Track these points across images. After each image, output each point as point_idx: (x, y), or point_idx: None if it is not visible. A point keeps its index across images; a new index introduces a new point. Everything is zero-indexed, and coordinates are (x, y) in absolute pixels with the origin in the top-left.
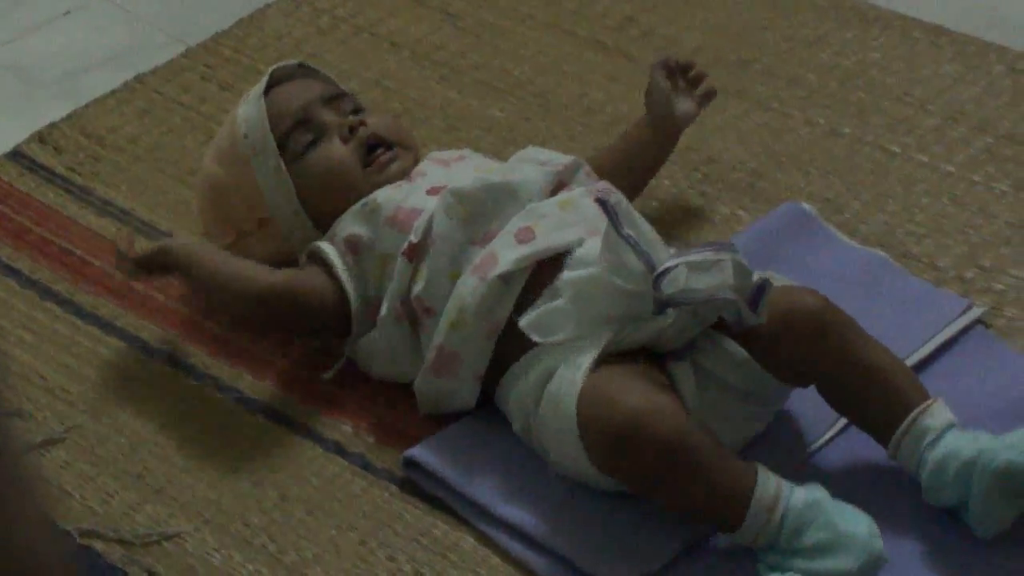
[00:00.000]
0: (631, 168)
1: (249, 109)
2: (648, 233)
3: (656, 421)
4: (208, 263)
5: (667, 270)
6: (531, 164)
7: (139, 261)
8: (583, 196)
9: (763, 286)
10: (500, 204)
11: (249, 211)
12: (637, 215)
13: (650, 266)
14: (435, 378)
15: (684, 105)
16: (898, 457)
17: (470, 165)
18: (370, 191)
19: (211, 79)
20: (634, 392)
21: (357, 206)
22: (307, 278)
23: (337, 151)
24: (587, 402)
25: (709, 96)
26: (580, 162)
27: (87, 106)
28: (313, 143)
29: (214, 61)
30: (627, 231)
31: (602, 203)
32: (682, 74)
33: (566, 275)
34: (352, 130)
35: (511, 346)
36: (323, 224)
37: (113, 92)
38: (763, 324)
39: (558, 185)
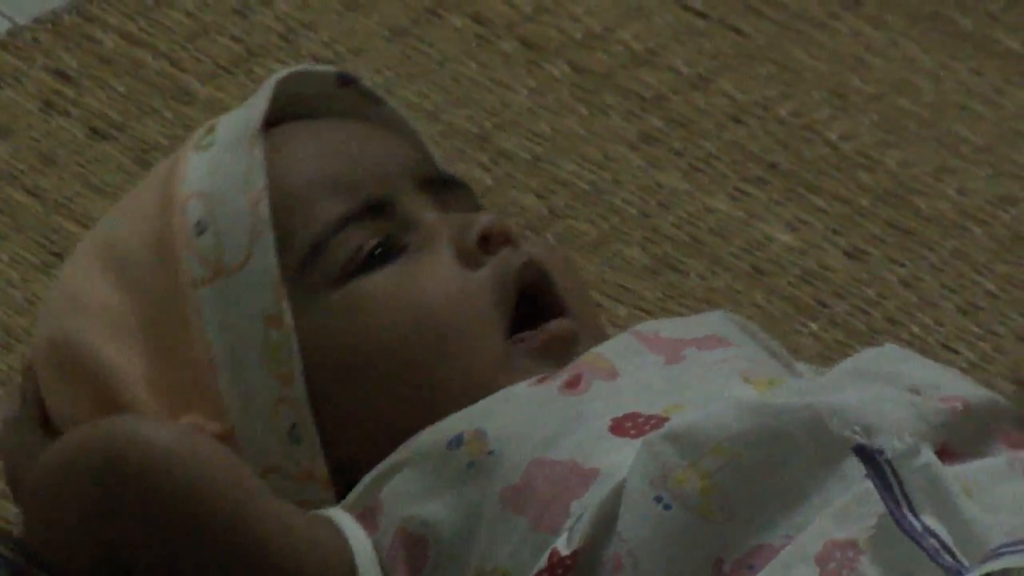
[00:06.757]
0: None
1: (219, 159)
2: (979, 519)
3: None
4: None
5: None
6: (883, 385)
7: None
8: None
9: None
10: (792, 476)
11: (175, 405)
12: (983, 478)
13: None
14: None
15: None
16: None
17: (734, 366)
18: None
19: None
20: None
21: (433, 440)
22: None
23: (453, 275)
24: None
25: None
26: (1002, 404)
27: None
28: (387, 252)
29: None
30: (921, 520)
31: (862, 452)
32: None
33: None
34: (485, 242)
35: None
36: (351, 465)
37: None
38: None
39: (941, 448)
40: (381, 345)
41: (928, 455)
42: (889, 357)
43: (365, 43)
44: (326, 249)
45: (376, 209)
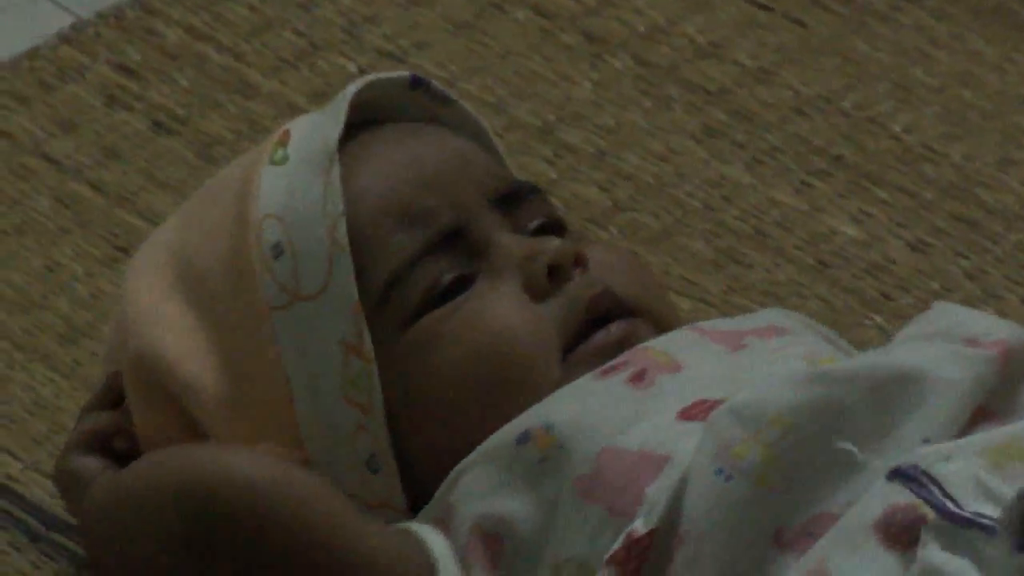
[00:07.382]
0: None
1: (295, 179)
2: None
3: None
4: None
5: None
6: (941, 344)
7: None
8: None
9: None
10: (851, 442)
11: (250, 430)
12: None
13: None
14: None
15: None
16: None
17: (795, 351)
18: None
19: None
20: None
21: (501, 439)
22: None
23: (520, 310)
24: None
25: None
26: None
27: None
28: (459, 284)
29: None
30: (972, 510)
31: (901, 474)
32: None
33: None
34: (555, 272)
35: None
36: (425, 475)
37: None
38: None
39: (977, 409)
40: (451, 381)
41: (963, 455)
42: (947, 310)
43: (428, 37)
44: (401, 286)
45: (450, 238)
